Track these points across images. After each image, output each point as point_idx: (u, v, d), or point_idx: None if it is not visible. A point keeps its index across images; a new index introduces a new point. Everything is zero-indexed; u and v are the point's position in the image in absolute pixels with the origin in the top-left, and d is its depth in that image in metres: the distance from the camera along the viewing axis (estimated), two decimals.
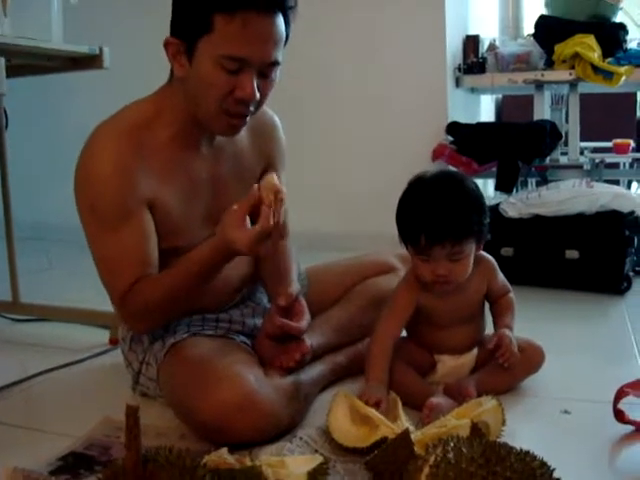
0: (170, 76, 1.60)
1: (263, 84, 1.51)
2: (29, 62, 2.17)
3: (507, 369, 1.67)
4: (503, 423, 1.38)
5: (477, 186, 1.67)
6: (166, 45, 1.51)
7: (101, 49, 2.19)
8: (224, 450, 1.19)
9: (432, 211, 1.58)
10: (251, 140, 1.75)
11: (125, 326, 1.71)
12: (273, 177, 1.45)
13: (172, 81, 1.59)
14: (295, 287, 1.68)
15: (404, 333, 1.82)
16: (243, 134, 1.71)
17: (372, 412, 1.42)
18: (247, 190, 1.64)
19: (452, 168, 3.26)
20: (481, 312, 1.79)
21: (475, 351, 1.77)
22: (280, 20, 1.48)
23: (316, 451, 1.37)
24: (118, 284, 1.54)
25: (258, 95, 1.49)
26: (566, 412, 1.60)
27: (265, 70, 1.50)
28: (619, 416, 1.48)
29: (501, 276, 1.78)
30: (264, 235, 1.43)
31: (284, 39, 1.51)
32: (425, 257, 1.61)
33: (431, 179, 1.65)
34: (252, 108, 1.53)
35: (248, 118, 1.56)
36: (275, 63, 1.50)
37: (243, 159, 1.73)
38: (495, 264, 1.77)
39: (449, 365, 1.75)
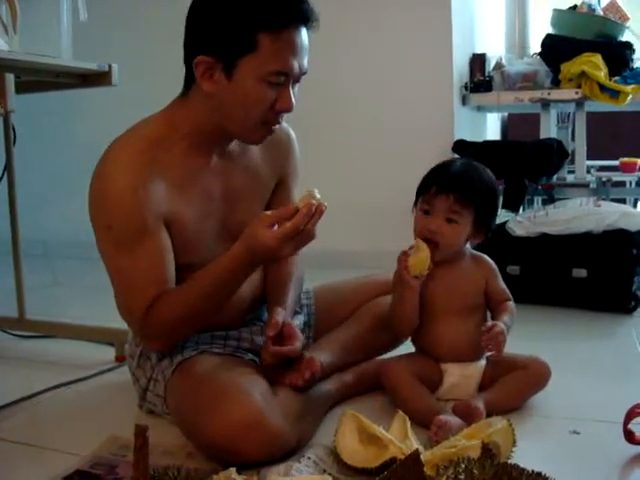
0: (184, 91, 1.60)
1: (293, 93, 1.55)
2: (38, 79, 2.18)
3: (513, 386, 1.71)
4: (514, 444, 1.37)
5: (496, 182, 1.82)
6: (196, 64, 1.49)
7: (110, 66, 2.19)
8: (232, 470, 1.19)
9: (449, 169, 1.76)
10: (265, 153, 1.75)
11: (143, 345, 1.69)
12: (315, 190, 1.45)
13: (185, 96, 1.60)
14: (281, 314, 1.65)
15: (412, 348, 1.85)
16: (256, 148, 1.72)
17: (380, 432, 1.40)
18: (259, 205, 1.64)
19: None
20: (481, 312, 1.80)
21: (482, 364, 1.78)
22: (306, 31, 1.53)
23: (324, 471, 1.36)
24: (138, 302, 1.53)
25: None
26: (575, 432, 1.58)
27: (298, 80, 1.55)
28: (629, 437, 1.47)
29: (502, 282, 1.83)
30: (293, 233, 1.41)
31: None
32: (427, 207, 1.73)
33: (456, 159, 1.82)
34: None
35: (278, 126, 1.61)
36: (306, 73, 1.55)
37: (256, 173, 1.74)
38: (495, 268, 1.83)
39: (456, 375, 1.76)
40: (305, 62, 1.53)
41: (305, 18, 1.50)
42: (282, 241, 1.41)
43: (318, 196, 1.44)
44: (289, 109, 1.54)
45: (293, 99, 1.53)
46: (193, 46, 1.52)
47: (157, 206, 1.53)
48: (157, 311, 1.52)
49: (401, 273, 1.71)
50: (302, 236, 1.43)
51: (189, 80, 1.57)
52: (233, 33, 1.46)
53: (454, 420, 1.54)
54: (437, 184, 1.72)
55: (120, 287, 1.57)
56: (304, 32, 1.51)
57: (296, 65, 1.50)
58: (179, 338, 1.63)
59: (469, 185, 1.72)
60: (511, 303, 1.81)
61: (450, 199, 1.70)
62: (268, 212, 1.47)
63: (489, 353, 1.73)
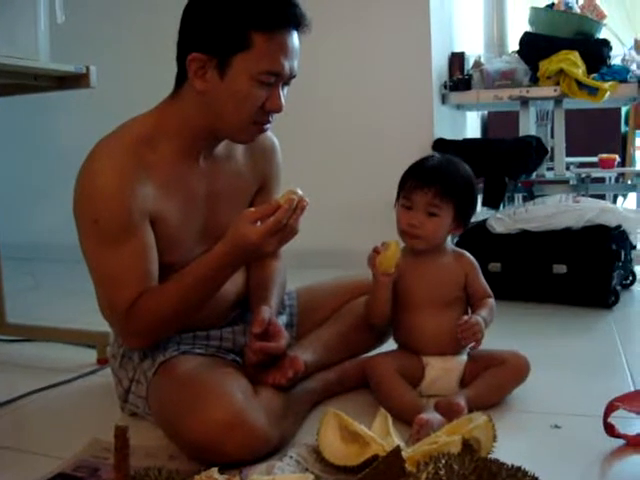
0: (174, 90, 1.61)
1: (282, 95, 1.57)
2: (15, 81, 2.16)
3: (494, 381, 1.74)
4: (494, 439, 1.38)
5: (473, 175, 1.84)
6: (190, 61, 1.51)
7: (88, 68, 2.18)
8: (214, 470, 1.18)
9: (427, 163, 1.80)
10: (249, 160, 1.77)
11: (123, 342, 1.68)
12: (296, 188, 1.47)
13: (176, 95, 1.61)
14: (267, 312, 1.66)
15: (394, 345, 1.88)
16: (241, 153, 1.74)
17: (362, 430, 1.41)
18: (241, 208, 1.66)
19: None
20: (461, 306, 1.82)
21: (463, 358, 1.81)
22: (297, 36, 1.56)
23: (307, 470, 1.36)
24: (121, 299, 1.53)
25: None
26: (556, 427, 1.60)
27: (288, 82, 1.57)
28: (610, 430, 1.48)
29: (482, 279, 1.86)
30: (275, 228, 1.43)
31: None
32: (407, 203, 1.76)
33: (434, 154, 1.89)
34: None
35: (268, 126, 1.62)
36: (295, 76, 1.58)
37: (240, 178, 1.75)
38: (476, 264, 1.86)
39: (437, 367, 1.78)
40: (295, 65, 1.56)
41: (297, 22, 1.53)
42: (265, 237, 1.43)
43: (300, 192, 1.47)
44: (279, 109, 1.56)
45: (282, 100, 1.55)
46: (187, 44, 1.54)
47: (143, 204, 1.53)
48: (139, 308, 1.52)
49: (371, 270, 1.75)
50: (285, 231, 1.45)
51: (180, 79, 1.59)
52: (228, 30, 1.48)
53: (435, 418, 1.54)
54: (415, 179, 1.76)
55: (102, 283, 1.57)
56: (295, 36, 1.54)
57: (287, 67, 1.52)
58: (160, 336, 1.63)
59: (448, 179, 1.76)
60: (491, 300, 1.83)
61: (430, 193, 1.73)
62: (251, 209, 1.50)
63: (468, 345, 1.75)
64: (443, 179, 1.75)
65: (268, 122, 1.60)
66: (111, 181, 1.50)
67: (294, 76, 1.57)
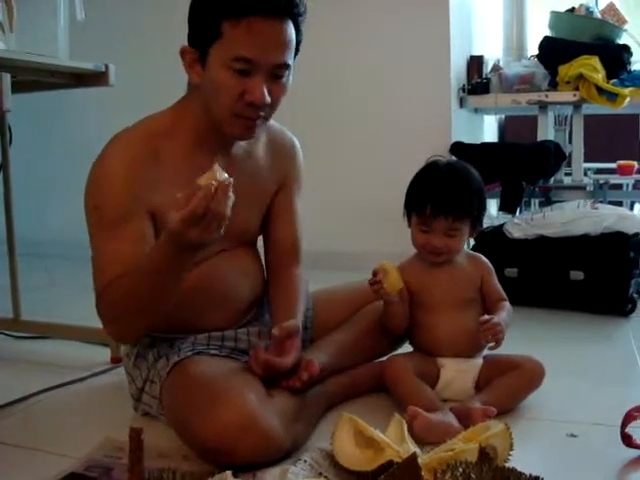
0: (188, 87, 1.64)
1: (274, 88, 1.54)
2: (34, 78, 2.16)
3: (509, 386, 1.73)
4: (511, 447, 1.36)
5: (481, 179, 1.84)
6: (182, 54, 1.56)
7: (107, 66, 2.19)
8: (228, 473, 1.18)
9: (442, 186, 1.76)
10: (269, 159, 1.77)
11: (103, 328, 1.62)
12: (216, 167, 1.33)
13: (189, 92, 1.64)
14: (293, 324, 1.63)
15: (409, 348, 1.89)
16: (261, 153, 1.74)
17: (377, 435, 1.39)
18: (259, 209, 1.64)
19: None
20: (477, 308, 1.82)
21: (478, 362, 1.81)
22: (288, 25, 1.53)
23: (321, 474, 1.35)
24: (99, 282, 1.54)
25: (268, 99, 1.53)
26: (573, 435, 1.58)
27: (275, 72, 1.53)
28: (627, 440, 1.47)
29: (497, 283, 1.87)
30: (194, 216, 1.29)
31: (293, 43, 1.55)
32: (426, 228, 1.77)
33: (444, 163, 1.85)
34: (264, 112, 1.57)
35: (259, 121, 1.58)
36: (284, 65, 1.54)
37: (259, 177, 1.75)
38: (491, 267, 1.88)
39: (453, 369, 1.79)
40: (281, 54, 1.52)
41: (266, 7, 1.48)
42: (185, 225, 1.31)
43: (220, 175, 1.32)
44: (257, 99, 1.52)
45: (264, 91, 1.51)
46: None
47: (147, 197, 1.54)
48: (106, 294, 1.52)
49: (381, 298, 1.77)
50: (207, 218, 1.31)
51: None
52: (202, 22, 1.51)
53: (448, 419, 1.54)
54: (431, 206, 1.74)
55: (93, 264, 1.58)
56: (277, 23, 1.50)
57: (260, 53, 1.49)
58: (131, 326, 1.56)
59: (464, 202, 1.76)
60: (507, 303, 1.83)
61: (448, 220, 1.75)
62: (179, 195, 1.33)
63: (488, 345, 1.73)
64: (461, 204, 1.75)
65: (255, 117, 1.56)
66: (116, 168, 1.54)
67: (282, 65, 1.53)
